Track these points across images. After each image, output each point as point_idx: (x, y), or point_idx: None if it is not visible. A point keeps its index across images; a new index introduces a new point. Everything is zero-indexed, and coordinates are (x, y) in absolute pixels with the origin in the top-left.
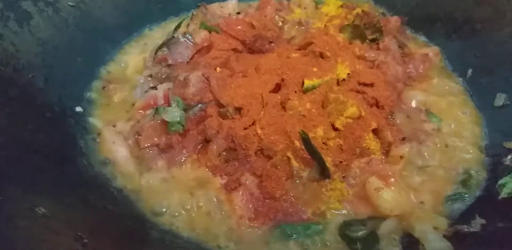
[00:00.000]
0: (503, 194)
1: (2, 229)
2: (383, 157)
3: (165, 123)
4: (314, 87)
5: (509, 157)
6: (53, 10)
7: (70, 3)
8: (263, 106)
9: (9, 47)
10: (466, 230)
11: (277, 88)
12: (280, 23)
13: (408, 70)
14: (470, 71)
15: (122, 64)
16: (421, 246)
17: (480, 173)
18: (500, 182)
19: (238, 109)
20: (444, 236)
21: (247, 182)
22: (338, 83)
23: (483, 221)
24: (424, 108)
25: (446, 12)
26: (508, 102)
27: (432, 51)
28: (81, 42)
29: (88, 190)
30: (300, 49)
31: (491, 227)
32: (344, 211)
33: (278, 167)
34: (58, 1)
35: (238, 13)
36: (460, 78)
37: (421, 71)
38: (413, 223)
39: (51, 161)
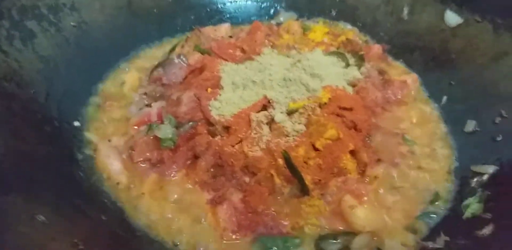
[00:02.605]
0: (467, 214)
1: (5, 235)
2: (359, 177)
3: (158, 139)
4: (297, 110)
5: (475, 179)
6: (56, 30)
7: (72, 23)
8: (249, 126)
9: (13, 64)
10: (431, 246)
11: (263, 108)
12: (269, 48)
13: (387, 96)
14: (444, 98)
15: (119, 82)
16: None
17: (448, 194)
18: (465, 203)
19: (227, 128)
20: None
21: (232, 196)
22: (320, 106)
23: (447, 238)
24: (400, 132)
25: (425, 42)
26: (477, 128)
27: (411, 78)
28: (80, 60)
29: (84, 201)
30: None
31: (453, 244)
32: (320, 227)
33: (262, 183)
34: (61, 21)
35: (231, 36)
36: (436, 105)
37: (399, 97)
38: (384, 239)
39: (50, 173)
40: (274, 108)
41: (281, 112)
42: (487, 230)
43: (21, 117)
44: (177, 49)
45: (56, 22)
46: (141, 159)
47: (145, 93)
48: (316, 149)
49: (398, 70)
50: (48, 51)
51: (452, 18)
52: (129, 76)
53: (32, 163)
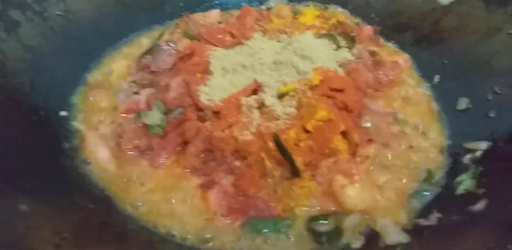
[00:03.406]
0: (460, 190)
1: None
2: (350, 157)
3: (146, 126)
4: (288, 93)
5: (467, 156)
6: (41, 19)
7: (57, 12)
8: (240, 110)
9: None
10: (423, 223)
11: (254, 92)
12: (260, 32)
13: (378, 77)
14: (437, 77)
15: (106, 71)
16: (382, 238)
17: (440, 171)
18: (457, 179)
19: (216, 113)
20: (404, 229)
21: (222, 180)
22: (311, 89)
23: (439, 215)
24: (392, 112)
25: (416, 22)
26: (469, 106)
27: (402, 58)
28: (67, 49)
29: (71, 189)
30: None
31: (446, 220)
32: (312, 208)
33: (253, 167)
34: (46, 10)
35: (220, 22)
36: (428, 84)
37: (391, 77)
38: (376, 218)
39: (36, 162)
40: (264, 92)
41: (272, 96)
42: (480, 205)
43: (6, 107)
44: (166, 36)
45: (41, 11)
46: (130, 146)
47: (134, 81)
48: (307, 131)
49: (389, 51)
50: (33, 40)
51: None
52: (117, 65)
53: (17, 153)
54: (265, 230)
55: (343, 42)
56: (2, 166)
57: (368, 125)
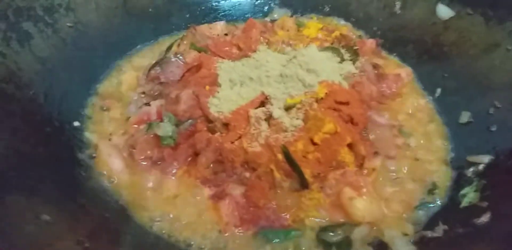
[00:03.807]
0: (464, 203)
1: (10, 235)
2: (357, 169)
3: (158, 137)
4: (295, 105)
5: (471, 169)
6: (53, 31)
7: (68, 24)
8: (248, 122)
9: (12, 66)
10: (430, 235)
11: (261, 104)
12: (264, 44)
13: (381, 89)
14: (438, 90)
15: (117, 82)
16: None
17: (445, 184)
18: (462, 192)
19: (226, 125)
20: (411, 241)
21: (233, 191)
22: (317, 101)
23: (446, 227)
24: (396, 124)
25: (417, 36)
26: (471, 119)
27: (405, 71)
28: (78, 61)
29: (87, 199)
30: None
31: (452, 233)
32: (321, 219)
33: (262, 178)
34: (57, 22)
35: (226, 34)
36: (430, 97)
37: (394, 90)
38: (383, 229)
39: (52, 173)
40: (272, 104)
41: (279, 108)
42: (484, 218)
43: (21, 118)
44: (174, 48)
45: (52, 23)
46: (142, 157)
47: (143, 92)
48: (314, 143)
49: (392, 64)
50: (45, 52)
51: (444, 11)
52: (126, 76)
53: (34, 163)
54: (276, 240)
55: (347, 55)
56: (20, 177)
57: (374, 137)
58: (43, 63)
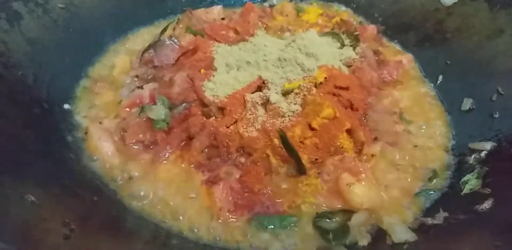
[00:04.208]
0: (466, 190)
1: None
2: (356, 155)
3: (151, 121)
4: (293, 90)
5: (472, 156)
6: (43, 11)
7: (60, 5)
8: (244, 107)
9: (0, 46)
10: (430, 222)
11: (258, 89)
12: (263, 29)
13: (382, 76)
14: (440, 77)
15: (109, 65)
16: (388, 236)
17: (446, 171)
18: (464, 179)
19: (221, 109)
20: (410, 228)
21: (228, 176)
22: (315, 86)
23: (446, 214)
24: (397, 111)
25: (419, 22)
26: (474, 106)
27: (406, 58)
28: (69, 43)
29: (75, 182)
30: None
31: (453, 219)
32: (318, 205)
33: (258, 163)
34: (48, 3)
35: (223, 18)
36: (432, 84)
37: (395, 76)
38: (382, 216)
39: (40, 155)
40: (269, 89)
41: (277, 93)
42: (486, 205)
43: (9, 99)
44: (169, 31)
45: (43, 3)
46: (134, 140)
47: (136, 76)
48: (312, 129)
49: (393, 51)
50: (36, 33)
51: None
52: (119, 59)
53: (21, 145)
54: (271, 226)
55: (347, 41)
56: (7, 158)
57: (374, 123)
58: (33, 44)
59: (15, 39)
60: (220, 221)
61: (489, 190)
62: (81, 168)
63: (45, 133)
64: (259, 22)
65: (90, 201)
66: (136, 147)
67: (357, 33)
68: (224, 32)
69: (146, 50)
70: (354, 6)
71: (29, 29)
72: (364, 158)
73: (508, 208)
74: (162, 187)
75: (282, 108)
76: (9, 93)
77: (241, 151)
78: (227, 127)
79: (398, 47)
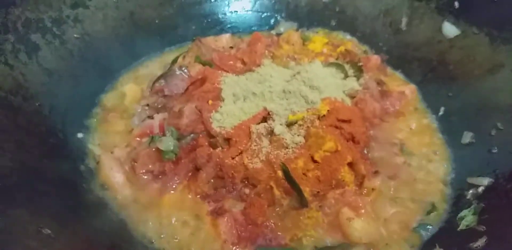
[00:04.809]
0: (462, 226)
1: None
2: (357, 189)
3: (160, 151)
4: (297, 122)
5: (470, 191)
6: (60, 42)
7: (75, 35)
8: (250, 137)
9: (19, 78)
10: None
11: (263, 120)
12: (269, 58)
13: (385, 107)
14: (442, 109)
15: (121, 93)
16: None
17: (443, 206)
18: (460, 214)
19: (227, 140)
20: None
21: (232, 208)
22: (319, 118)
23: None
24: (397, 142)
25: (423, 53)
26: (473, 140)
27: (409, 89)
28: (83, 72)
29: (87, 213)
30: None
31: None
32: (318, 238)
33: (262, 195)
34: (64, 33)
35: (231, 47)
36: (433, 116)
37: (397, 107)
38: None
39: (55, 185)
40: (273, 120)
41: (281, 124)
42: (480, 243)
43: (27, 130)
44: (179, 61)
45: (60, 35)
46: (143, 170)
47: (147, 105)
48: (314, 161)
49: (396, 81)
50: (52, 63)
51: (449, 29)
52: (130, 88)
53: (38, 176)
54: None
55: (351, 71)
56: (24, 190)
57: (374, 156)
58: (50, 74)
59: (33, 70)
60: None
61: (484, 227)
62: (93, 198)
63: (59, 163)
64: (266, 51)
65: (101, 232)
66: (145, 177)
67: (361, 64)
68: (231, 62)
69: (157, 79)
70: (359, 35)
71: (46, 60)
72: (365, 191)
73: (500, 247)
74: (170, 218)
75: (286, 139)
76: (27, 125)
77: (246, 182)
78: (233, 158)
79: (401, 77)
